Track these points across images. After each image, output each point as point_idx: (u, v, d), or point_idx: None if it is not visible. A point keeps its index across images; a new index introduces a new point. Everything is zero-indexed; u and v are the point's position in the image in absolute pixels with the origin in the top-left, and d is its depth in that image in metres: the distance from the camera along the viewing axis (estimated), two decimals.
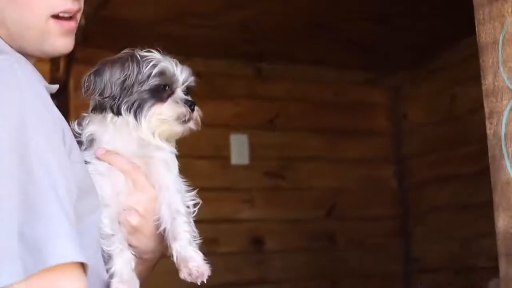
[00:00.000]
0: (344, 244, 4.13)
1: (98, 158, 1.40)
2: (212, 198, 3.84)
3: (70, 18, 1.38)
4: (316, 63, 4.06)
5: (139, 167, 1.43)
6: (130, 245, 1.43)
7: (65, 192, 1.15)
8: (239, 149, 3.99)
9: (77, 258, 1.11)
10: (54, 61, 3.44)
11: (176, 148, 1.49)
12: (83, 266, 1.14)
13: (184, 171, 4.39)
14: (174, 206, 1.42)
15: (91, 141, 1.42)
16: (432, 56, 4.04)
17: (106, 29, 3.29)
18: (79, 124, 1.43)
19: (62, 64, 3.52)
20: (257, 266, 3.93)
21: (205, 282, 1.39)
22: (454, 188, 3.91)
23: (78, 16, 1.42)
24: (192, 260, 1.38)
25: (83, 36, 3.31)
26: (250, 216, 3.95)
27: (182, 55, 4.03)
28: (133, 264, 1.39)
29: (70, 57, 3.41)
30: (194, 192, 1.46)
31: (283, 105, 4.09)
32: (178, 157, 1.50)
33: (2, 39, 1.33)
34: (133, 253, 1.42)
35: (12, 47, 1.32)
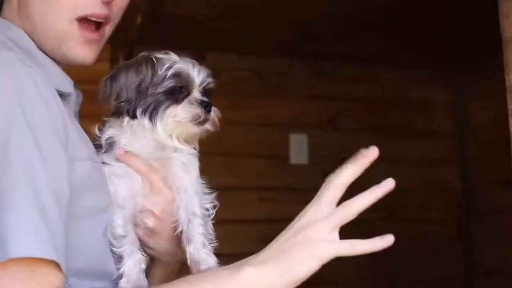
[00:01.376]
0: (404, 246, 4.02)
1: (117, 159, 1.41)
2: (270, 198, 3.82)
3: (96, 29, 1.39)
4: (376, 62, 3.98)
5: (157, 169, 1.42)
6: (148, 247, 1.43)
7: (46, 186, 1.12)
8: (298, 149, 3.96)
9: (36, 254, 1.06)
10: (113, 61, 3.48)
11: (196, 149, 1.47)
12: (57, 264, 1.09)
13: (243, 170, 4.32)
14: (191, 208, 1.41)
15: (111, 144, 1.43)
16: (498, 52, 3.88)
17: (161, 27, 3.30)
18: (100, 129, 1.44)
19: None
20: None
21: None
22: None
23: (106, 29, 1.42)
24: (204, 263, 1.37)
25: (139, 35, 3.34)
26: None
27: (237, 53, 4.00)
28: (143, 265, 1.38)
29: (128, 56, 3.45)
30: (213, 195, 1.44)
31: (342, 104, 4.02)
32: (201, 155, 1.47)
33: (27, 34, 1.34)
34: (149, 254, 1.43)
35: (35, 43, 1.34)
